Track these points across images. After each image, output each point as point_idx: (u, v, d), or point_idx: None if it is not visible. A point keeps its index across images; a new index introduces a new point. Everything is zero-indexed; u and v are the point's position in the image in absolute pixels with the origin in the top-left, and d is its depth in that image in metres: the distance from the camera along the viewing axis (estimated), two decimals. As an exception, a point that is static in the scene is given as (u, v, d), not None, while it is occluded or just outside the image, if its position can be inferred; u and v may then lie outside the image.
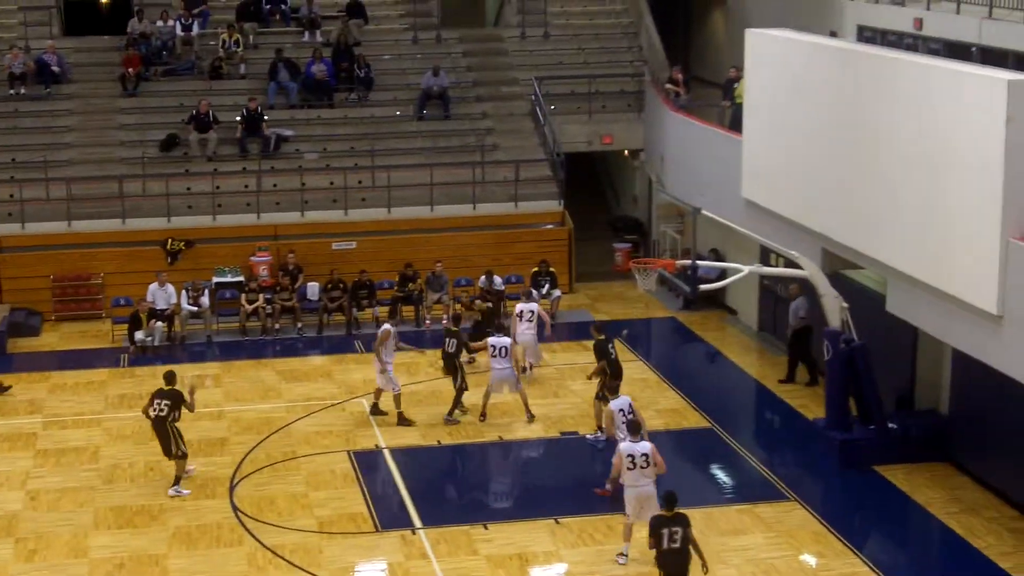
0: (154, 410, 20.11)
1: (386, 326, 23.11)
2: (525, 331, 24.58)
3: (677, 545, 15.65)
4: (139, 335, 27.25)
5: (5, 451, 22.10)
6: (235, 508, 19.69)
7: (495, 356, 22.74)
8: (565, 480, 20.89)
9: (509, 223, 30.98)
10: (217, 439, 22.40)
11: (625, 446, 17.84)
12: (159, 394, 20.23)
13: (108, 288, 29.18)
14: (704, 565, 15.89)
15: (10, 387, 24.93)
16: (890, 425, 21.34)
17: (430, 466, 21.68)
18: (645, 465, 17.57)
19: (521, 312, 24.66)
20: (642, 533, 16.65)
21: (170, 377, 20.42)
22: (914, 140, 18.98)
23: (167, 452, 20.32)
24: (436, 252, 29.67)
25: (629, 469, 17.58)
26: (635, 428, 17.95)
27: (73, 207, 29.77)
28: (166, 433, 20.15)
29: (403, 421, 22.84)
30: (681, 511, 15.95)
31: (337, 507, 19.71)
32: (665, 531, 15.72)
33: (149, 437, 21.33)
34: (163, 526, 19.15)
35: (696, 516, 19.03)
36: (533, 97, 33.16)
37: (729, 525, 19.11)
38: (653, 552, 16.07)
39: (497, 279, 28.84)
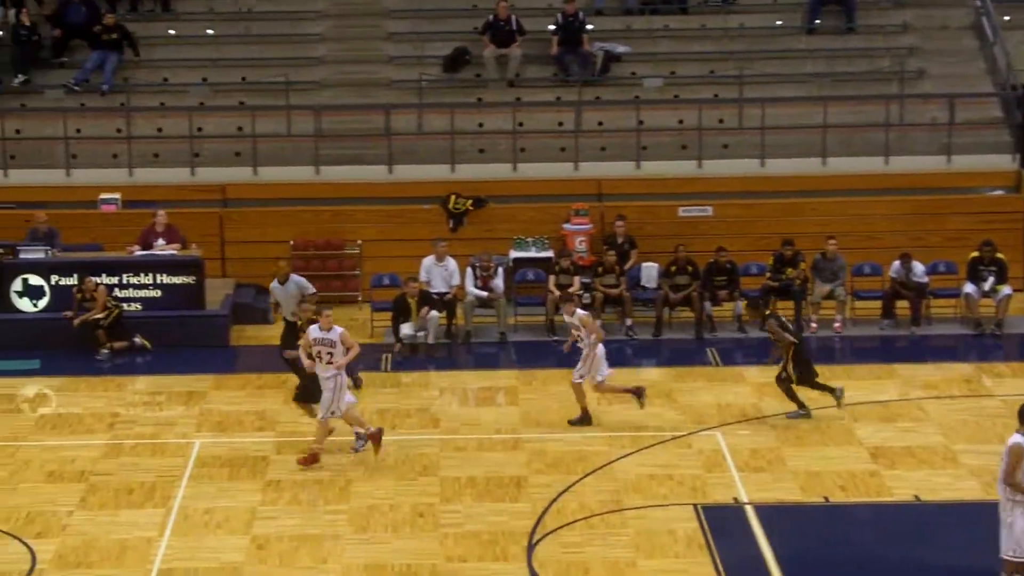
0: None
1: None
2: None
3: None
4: (406, 328, 28.25)
5: (224, 479, 23.12)
6: (534, 575, 20.11)
7: None
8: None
9: (937, 186, 31.02)
10: (511, 478, 23.00)
11: None
12: None
13: (367, 261, 30.44)
14: None
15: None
16: None
17: (810, 531, 21.80)
18: None
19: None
20: None
21: None
22: None
23: None
24: (829, 225, 29.89)
25: None
26: None
27: (323, 147, 31.07)
28: None
29: None
30: None
31: (676, 582, 20.02)
32: None
33: (418, 470, 22.47)
34: (436, 595, 19.78)
35: None
36: (979, 2, 33.09)
37: None
38: None
39: (918, 267, 28.86)
